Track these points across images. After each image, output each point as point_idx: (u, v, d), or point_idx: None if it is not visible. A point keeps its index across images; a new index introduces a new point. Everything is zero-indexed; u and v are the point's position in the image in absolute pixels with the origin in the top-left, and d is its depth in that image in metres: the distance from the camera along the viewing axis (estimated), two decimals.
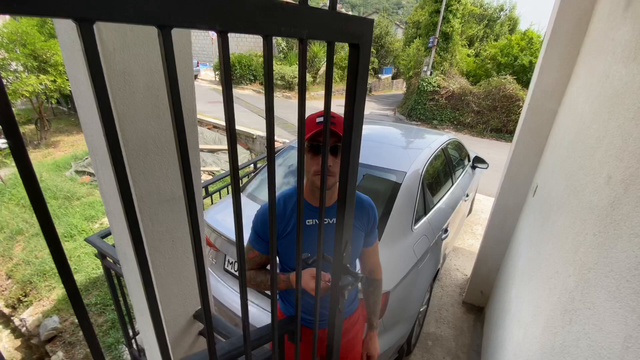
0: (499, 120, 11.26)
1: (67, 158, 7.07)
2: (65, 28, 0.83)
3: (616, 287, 0.70)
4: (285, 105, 12.66)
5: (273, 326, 0.67)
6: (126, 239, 1.07)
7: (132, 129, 0.85)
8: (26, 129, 8.91)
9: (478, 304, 2.82)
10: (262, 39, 0.43)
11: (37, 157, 7.34)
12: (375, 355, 1.35)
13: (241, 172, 3.40)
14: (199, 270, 0.47)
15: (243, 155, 7.42)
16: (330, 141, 0.98)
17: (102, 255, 1.64)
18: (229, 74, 0.40)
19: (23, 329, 3.47)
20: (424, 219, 2.12)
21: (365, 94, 0.60)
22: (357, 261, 1.28)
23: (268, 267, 1.19)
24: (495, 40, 17.33)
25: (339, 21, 0.50)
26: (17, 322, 3.59)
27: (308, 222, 1.10)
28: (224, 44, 0.38)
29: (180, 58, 0.89)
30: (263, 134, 7.99)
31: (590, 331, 0.76)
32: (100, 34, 0.73)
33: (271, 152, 0.50)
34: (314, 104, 12.89)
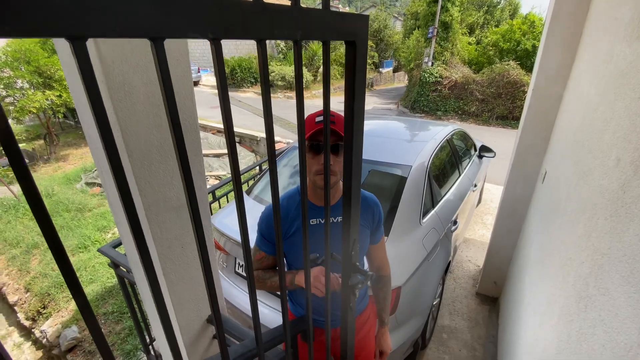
0: (504, 107, 11.10)
1: (77, 171, 7.19)
2: (63, 44, 0.84)
3: (630, 271, 0.69)
4: (287, 106, 12.68)
5: (285, 327, 0.67)
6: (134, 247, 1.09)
7: (136, 140, 0.86)
8: (35, 145, 9.08)
9: (492, 295, 2.79)
10: (253, 43, 0.43)
11: (47, 172, 7.48)
12: (388, 351, 1.35)
13: (247, 175, 3.42)
14: (206, 275, 0.48)
15: (248, 158, 7.46)
16: (330, 140, 0.98)
17: (115, 265, 1.67)
18: (224, 81, 0.40)
19: (44, 341, 3.56)
20: (432, 212, 2.11)
21: (365, 91, 0.59)
22: (365, 259, 1.28)
23: (276, 267, 1.19)
24: (496, 26, 17.06)
25: (333, 20, 0.50)
26: (37, 334, 3.68)
27: (312, 221, 1.10)
28: (217, 51, 0.39)
29: (178, 66, 0.89)
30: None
31: (606, 317, 0.75)
32: (99, 47, 0.74)
33: (272, 156, 0.50)
34: (316, 102, 12.88)
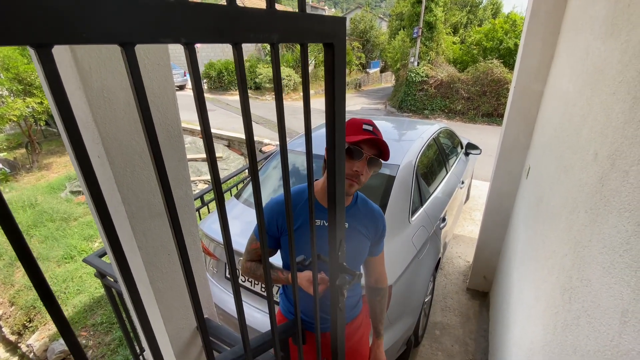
0: (489, 105, 11.30)
1: (61, 179, 7.01)
2: None
3: (610, 262, 0.71)
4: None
5: (273, 333, 0.66)
6: None
7: (117, 147, 0.85)
8: (17, 154, 8.82)
9: (482, 290, 2.83)
10: (244, 46, 0.43)
11: (30, 181, 7.28)
12: None
13: (236, 179, 3.39)
14: (189, 283, 0.47)
15: (238, 162, 7.40)
16: (371, 151, 1.00)
17: (101, 275, 1.63)
18: (200, 87, 0.40)
19: (31, 355, 3.45)
20: (421, 210, 2.13)
21: (345, 92, 0.59)
22: (362, 270, 1.27)
23: (270, 259, 1.18)
24: (480, 25, 17.38)
25: (309, 22, 0.50)
26: (24, 348, 3.57)
27: (316, 222, 1.09)
28: (191, 56, 0.38)
29: (159, 70, 0.88)
30: (255, 138, 7.97)
31: (589, 308, 0.77)
32: (75, 53, 0.72)
33: (253, 161, 0.50)
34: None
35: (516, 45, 12.06)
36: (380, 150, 1.01)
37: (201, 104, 0.40)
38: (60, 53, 0.74)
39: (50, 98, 0.83)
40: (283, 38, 0.45)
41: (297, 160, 2.38)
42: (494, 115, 11.26)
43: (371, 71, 23.00)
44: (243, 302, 1.86)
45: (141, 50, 0.84)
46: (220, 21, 0.38)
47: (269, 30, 0.43)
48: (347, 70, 20.13)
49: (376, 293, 1.28)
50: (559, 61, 1.72)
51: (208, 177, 6.57)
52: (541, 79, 1.98)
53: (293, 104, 13.30)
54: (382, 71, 24.36)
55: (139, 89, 0.35)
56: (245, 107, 0.45)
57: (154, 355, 0.46)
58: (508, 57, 12.16)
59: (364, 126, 1.01)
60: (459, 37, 16.90)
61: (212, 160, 0.44)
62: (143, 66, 0.84)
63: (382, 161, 1.04)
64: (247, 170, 3.53)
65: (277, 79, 0.48)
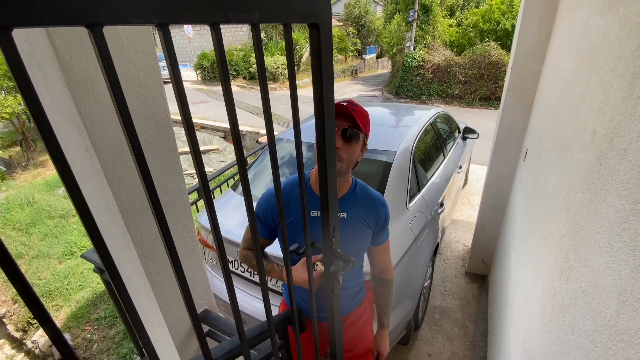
0: (487, 89, 11.20)
1: (58, 176, 6.97)
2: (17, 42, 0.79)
3: (608, 242, 0.70)
4: (269, 97, 12.47)
5: (269, 322, 0.66)
6: (114, 251, 1.06)
7: (104, 139, 0.83)
8: (12, 152, 8.74)
9: (481, 273, 2.86)
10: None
11: (27, 179, 7.23)
12: (386, 353, 1.35)
13: (233, 170, 3.38)
14: (178, 275, 0.46)
15: (234, 153, 7.36)
16: (342, 124, 0.95)
17: (99, 270, 1.63)
18: (177, 71, 0.38)
19: (37, 351, 3.49)
20: (418, 196, 2.12)
21: (333, 75, 0.57)
22: (367, 262, 1.26)
23: (266, 249, 1.18)
24: (476, 7, 17.04)
25: (292, 1, 0.47)
26: (29, 344, 3.60)
27: (313, 213, 1.06)
28: (166, 38, 0.36)
29: (144, 60, 0.85)
30: (251, 129, 7.92)
31: (587, 288, 0.77)
32: (53, 43, 0.70)
33: (240, 151, 0.48)
34: (300, 93, 12.72)
35: (513, 26, 11.87)
36: (354, 120, 0.95)
37: (180, 89, 0.38)
38: (39, 42, 0.71)
39: (37, 86, 0.80)
40: (264, 18, 0.43)
41: (295, 149, 2.36)
42: (491, 99, 11.17)
43: (367, 57, 22.68)
44: (244, 293, 1.87)
45: (124, 38, 0.81)
46: (195, 0, 0.36)
47: (249, 10, 0.41)
48: (343, 57, 19.91)
49: (380, 284, 1.25)
50: (557, 39, 1.69)
51: (206, 169, 6.53)
52: (538, 59, 1.94)
53: (289, 93, 13.11)
54: (378, 57, 24.01)
55: (110, 75, 0.33)
56: (227, 92, 0.43)
57: (146, 347, 0.46)
58: (505, 39, 11.99)
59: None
60: (456, 19, 16.61)
61: (197, 157, 0.42)
62: (127, 55, 0.81)
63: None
64: None
65: (259, 62, 0.46)
